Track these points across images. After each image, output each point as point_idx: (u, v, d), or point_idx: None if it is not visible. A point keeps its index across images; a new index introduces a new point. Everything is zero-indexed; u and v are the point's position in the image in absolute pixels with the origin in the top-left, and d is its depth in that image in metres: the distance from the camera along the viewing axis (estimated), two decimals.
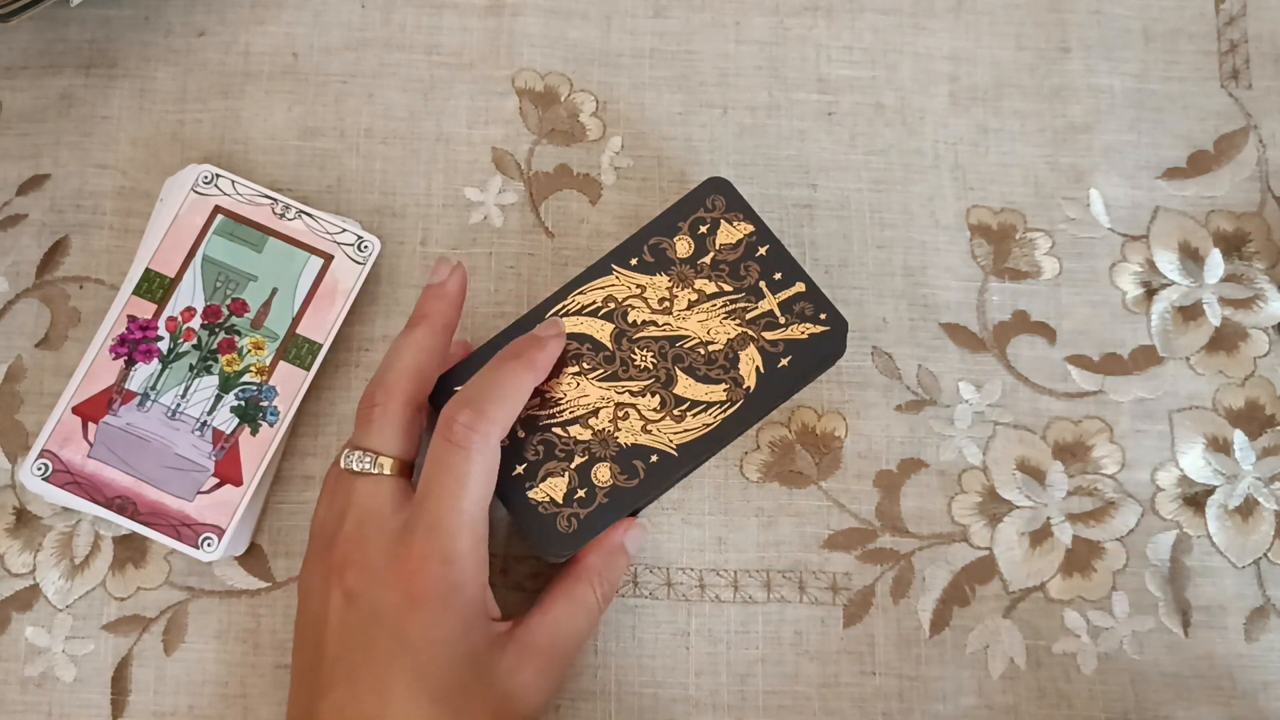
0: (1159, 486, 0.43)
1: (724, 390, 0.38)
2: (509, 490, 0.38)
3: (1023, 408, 0.44)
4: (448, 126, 0.46)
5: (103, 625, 0.41)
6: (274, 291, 0.42)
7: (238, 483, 0.40)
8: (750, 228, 0.40)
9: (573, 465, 0.38)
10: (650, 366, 0.38)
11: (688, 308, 0.39)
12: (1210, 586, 0.42)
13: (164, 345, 0.41)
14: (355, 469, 0.37)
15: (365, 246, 0.43)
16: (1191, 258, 0.45)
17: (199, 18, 0.47)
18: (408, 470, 0.37)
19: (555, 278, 0.44)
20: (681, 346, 0.39)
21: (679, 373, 0.38)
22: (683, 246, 0.40)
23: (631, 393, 0.38)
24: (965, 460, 0.43)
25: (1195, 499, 0.43)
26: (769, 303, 0.39)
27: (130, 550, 0.41)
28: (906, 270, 0.45)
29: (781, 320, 0.39)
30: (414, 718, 0.33)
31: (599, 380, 0.39)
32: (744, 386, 0.38)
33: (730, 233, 0.40)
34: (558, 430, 0.38)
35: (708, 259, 0.39)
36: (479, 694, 0.34)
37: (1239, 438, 0.43)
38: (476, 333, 0.44)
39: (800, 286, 0.39)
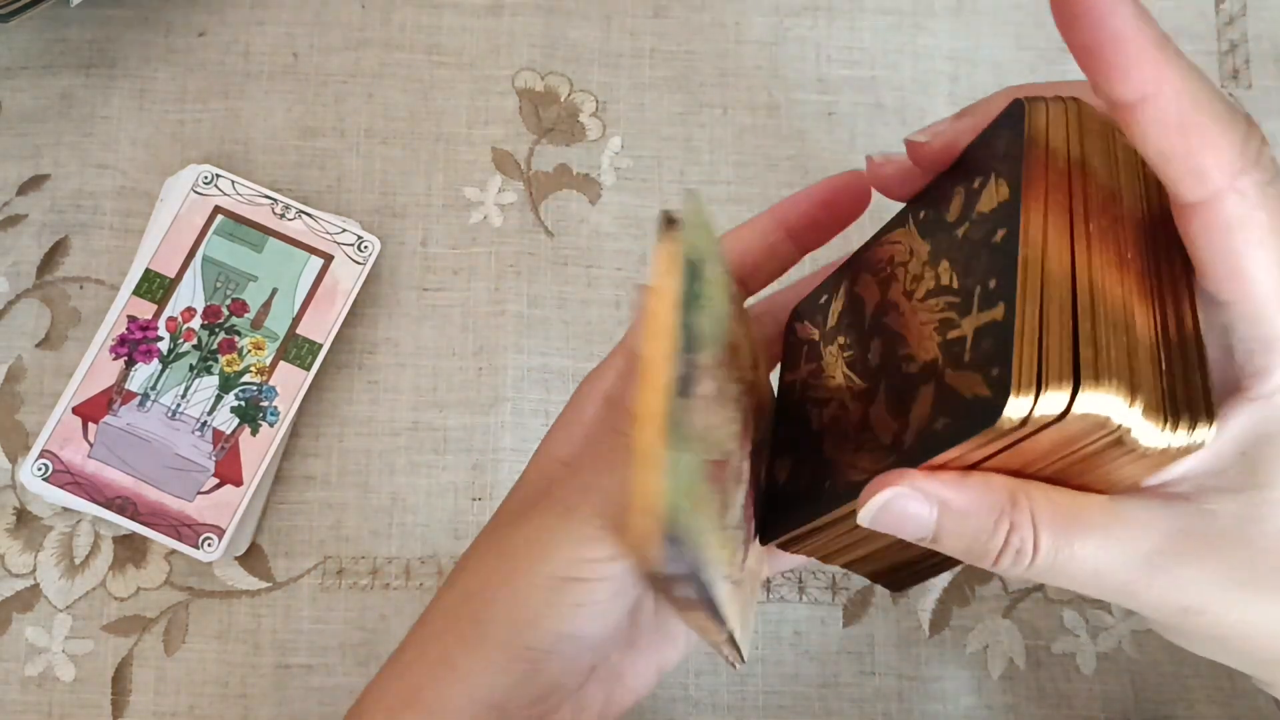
0: None
1: (892, 434, 0.25)
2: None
3: None
4: (448, 126, 0.46)
5: (103, 625, 0.41)
6: (274, 291, 0.42)
7: (238, 483, 0.40)
8: (1008, 193, 0.24)
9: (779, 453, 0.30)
10: (874, 368, 0.27)
11: (923, 298, 0.26)
12: None
13: (164, 345, 0.41)
14: None
15: (365, 246, 0.43)
16: None
17: (199, 18, 0.47)
18: None
19: (555, 277, 0.44)
20: (898, 352, 0.26)
21: (883, 392, 0.26)
22: (955, 206, 0.26)
23: (852, 393, 0.28)
24: None
25: None
26: (970, 324, 0.23)
27: (130, 550, 0.41)
28: None
29: (966, 359, 0.23)
30: None
31: (845, 367, 0.28)
32: (903, 440, 0.24)
33: (991, 197, 0.25)
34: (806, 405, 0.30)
35: (962, 231, 0.25)
36: None
37: None
38: (479, 334, 0.44)
39: (999, 312, 0.22)
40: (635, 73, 0.47)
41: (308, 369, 0.41)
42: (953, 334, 0.24)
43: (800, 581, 0.42)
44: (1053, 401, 0.21)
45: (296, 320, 0.42)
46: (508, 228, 0.45)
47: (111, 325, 0.41)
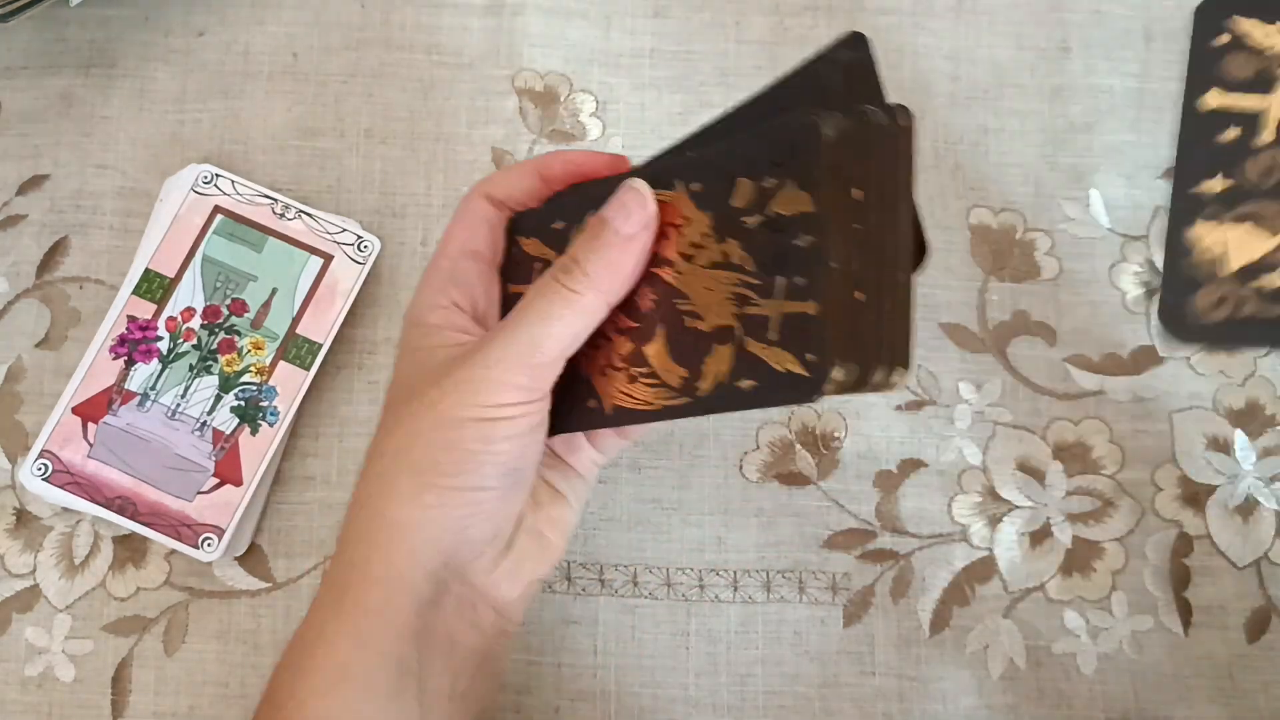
0: (1159, 486, 0.43)
1: (680, 378, 0.30)
2: None
3: (1022, 408, 0.44)
4: (448, 126, 0.46)
5: (103, 625, 0.41)
6: (274, 291, 0.42)
7: (238, 483, 0.40)
8: (811, 206, 0.28)
9: None
10: (647, 310, 0.31)
11: (708, 266, 0.30)
12: (1210, 586, 0.42)
13: (164, 345, 0.41)
14: None
15: (365, 246, 0.43)
16: None
17: (199, 18, 0.47)
18: None
19: None
20: (678, 306, 0.31)
21: (659, 334, 0.31)
22: (742, 194, 0.30)
23: (616, 328, 0.32)
24: (965, 460, 0.43)
25: (1195, 498, 0.43)
26: (774, 308, 0.28)
27: (130, 550, 0.41)
28: None
29: (771, 336, 0.28)
30: None
31: None
32: (695, 387, 0.30)
33: (790, 202, 0.29)
34: None
35: (754, 221, 0.29)
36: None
37: (1239, 438, 0.43)
38: None
39: (811, 308, 0.27)
40: (635, 73, 0.47)
41: (307, 369, 0.41)
42: (751, 310, 0.29)
43: (800, 582, 0.42)
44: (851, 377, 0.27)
45: (296, 320, 0.42)
46: None
47: (111, 325, 0.41)
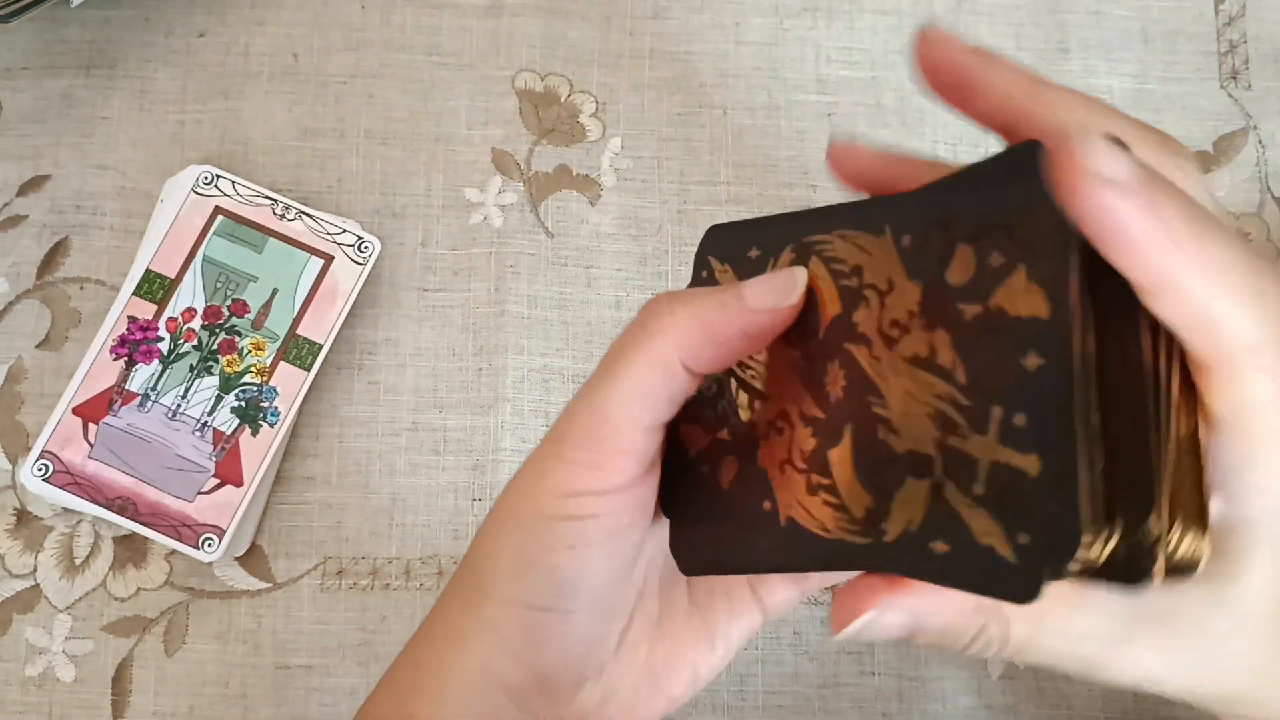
0: None
1: (865, 508, 0.23)
2: None
3: None
4: (448, 126, 0.46)
5: (103, 626, 0.41)
6: (274, 292, 0.42)
7: (238, 483, 0.40)
8: (1046, 310, 0.20)
9: (710, 438, 0.27)
10: (837, 397, 0.24)
11: (910, 360, 0.23)
12: None
13: (164, 346, 0.41)
14: None
15: (365, 247, 0.43)
16: None
17: (199, 18, 0.47)
18: None
19: (555, 278, 0.44)
20: (871, 406, 0.23)
21: (846, 436, 0.24)
22: (961, 268, 0.22)
23: (802, 413, 0.25)
24: None
25: None
26: (986, 449, 0.21)
27: (130, 551, 0.41)
28: None
29: (979, 491, 0.21)
30: None
31: (797, 374, 0.25)
32: (881, 528, 0.23)
33: (1018, 297, 0.21)
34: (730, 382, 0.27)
35: (972, 311, 0.22)
36: None
37: None
38: (479, 334, 0.44)
39: (1030, 464, 0.20)
40: (635, 73, 0.47)
41: (308, 369, 0.41)
42: (954, 442, 0.21)
43: None
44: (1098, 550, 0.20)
45: (297, 321, 0.42)
46: (508, 228, 0.45)
47: (112, 326, 0.41)
